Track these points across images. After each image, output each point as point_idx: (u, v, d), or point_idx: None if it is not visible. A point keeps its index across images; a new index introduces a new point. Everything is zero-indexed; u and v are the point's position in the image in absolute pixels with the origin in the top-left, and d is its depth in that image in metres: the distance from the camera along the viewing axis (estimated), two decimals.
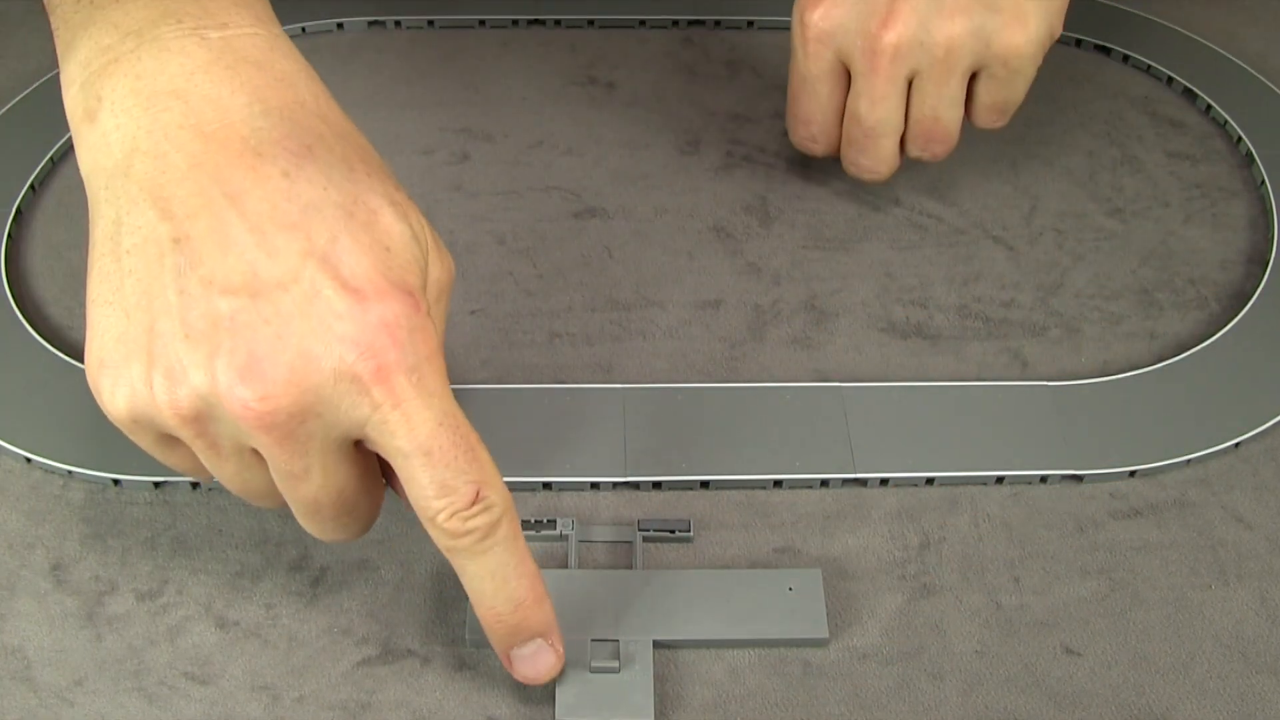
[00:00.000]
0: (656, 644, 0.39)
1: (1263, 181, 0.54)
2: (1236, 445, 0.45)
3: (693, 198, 0.53)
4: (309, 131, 0.34)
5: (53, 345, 0.45)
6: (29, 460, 0.43)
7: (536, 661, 0.36)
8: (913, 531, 0.42)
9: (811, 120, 0.50)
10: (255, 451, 0.34)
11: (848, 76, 0.48)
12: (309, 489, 0.34)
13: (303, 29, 0.59)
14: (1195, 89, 0.57)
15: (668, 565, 0.42)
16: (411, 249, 0.34)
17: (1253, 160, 0.55)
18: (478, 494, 0.33)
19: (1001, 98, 0.48)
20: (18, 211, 0.51)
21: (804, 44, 0.47)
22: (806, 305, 0.49)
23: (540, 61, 0.58)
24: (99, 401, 0.33)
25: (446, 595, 0.40)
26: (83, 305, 0.34)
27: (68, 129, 0.36)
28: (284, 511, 0.42)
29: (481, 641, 0.39)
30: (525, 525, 0.42)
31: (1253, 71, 0.58)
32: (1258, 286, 0.49)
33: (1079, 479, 0.44)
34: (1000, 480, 0.44)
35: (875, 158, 0.49)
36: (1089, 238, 0.52)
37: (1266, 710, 0.38)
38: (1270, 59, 0.60)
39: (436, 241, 0.36)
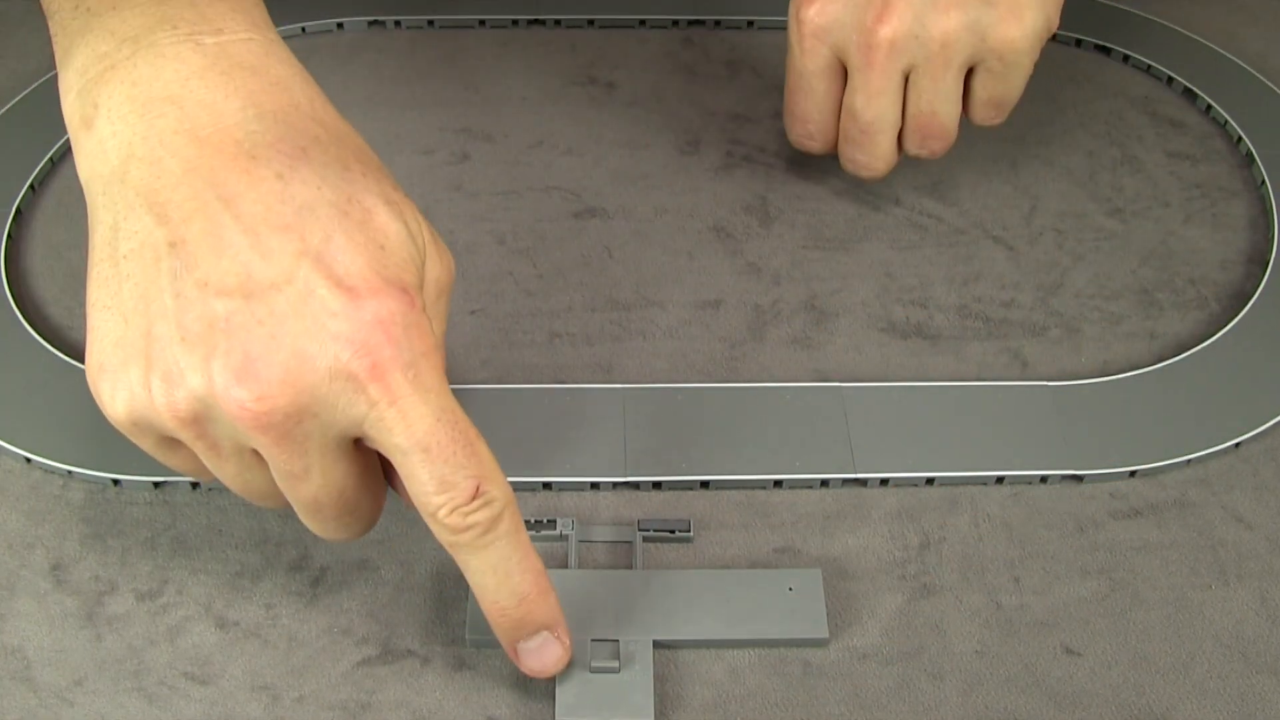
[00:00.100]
0: (656, 644, 0.39)
1: (1263, 181, 0.54)
2: (1237, 445, 0.45)
3: (693, 198, 0.53)
4: (303, 134, 0.34)
5: (52, 345, 0.45)
6: (29, 460, 0.43)
7: (543, 655, 0.36)
8: (913, 531, 0.42)
9: (808, 118, 0.50)
10: (256, 452, 0.34)
11: (844, 74, 0.48)
12: (309, 488, 0.34)
13: (303, 29, 0.59)
14: (1195, 89, 0.57)
15: (668, 565, 0.42)
16: (407, 247, 0.34)
17: (1253, 160, 0.55)
18: (478, 489, 0.33)
19: (999, 93, 0.48)
20: (17, 211, 0.51)
21: (800, 40, 0.47)
22: (806, 305, 0.49)
23: (540, 61, 0.58)
24: (99, 405, 0.33)
25: (446, 595, 0.40)
26: (83, 305, 0.34)
27: (67, 130, 0.36)
28: (285, 511, 0.42)
29: (482, 642, 0.39)
30: (525, 525, 0.41)
31: (1253, 71, 0.58)
32: (1258, 286, 0.49)
33: (1079, 479, 0.44)
34: (1000, 480, 0.44)
35: (872, 154, 0.49)
36: (1089, 238, 0.52)
37: (1266, 710, 0.38)
38: (1270, 59, 0.60)
39: (436, 241, 0.36)
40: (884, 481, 0.43)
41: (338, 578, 0.41)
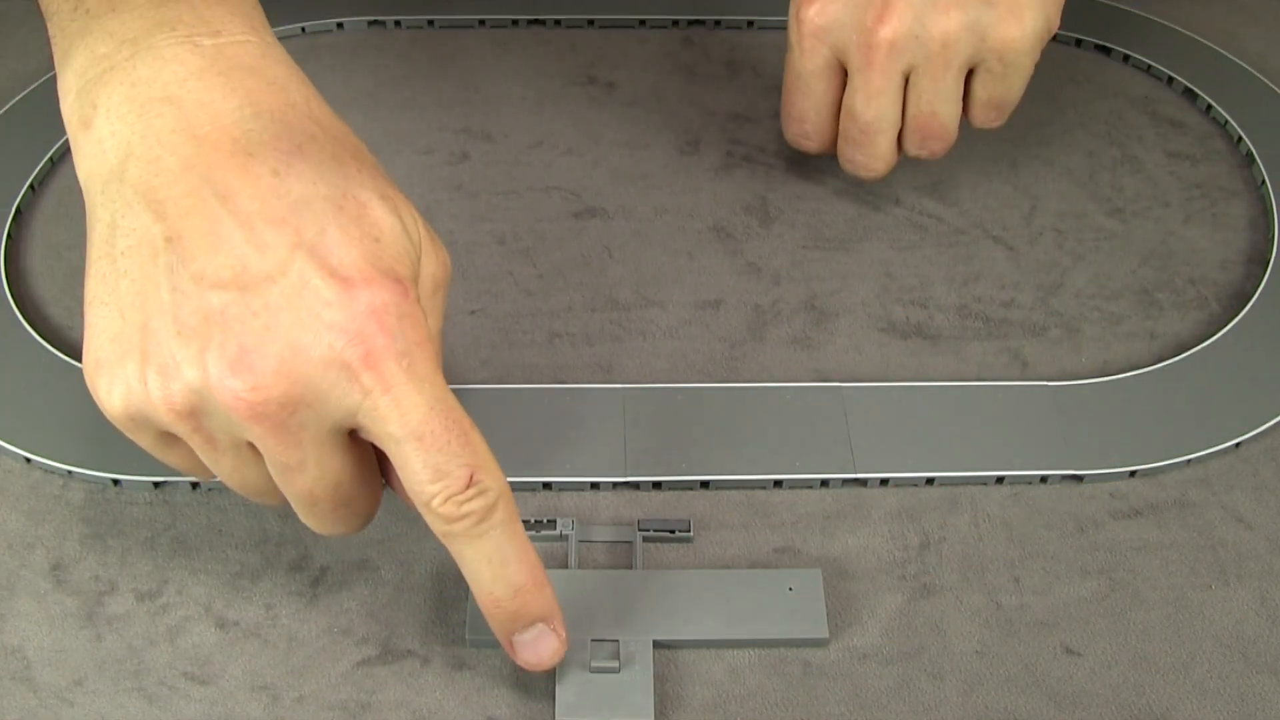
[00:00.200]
0: (656, 644, 0.39)
1: (1263, 181, 0.54)
2: (1237, 445, 0.45)
3: (693, 198, 0.53)
4: (300, 132, 0.34)
5: (52, 345, 0.45)
6: (29, 460, 0.43)
7: (539, 647, 0.36)
8: (913, 531, 0.42)
9: (805, 118, 0.50)
10: (253, 446, 0.34)
11: (843, 74, 0.48)
12: (305, 481, 0.34)
13: (302, 29, 0.59)
14: (1195, 89, 0.57)
15: (668, 565, 0.42)
16: (402, 241, 0.34)
17: (1253, 160, 0.55)
18: (471, 478, 0.33)
19: (999, 94, 0.47)
20: (17, 211, 0.51)
21: (799, 40, 0.47)
22: (806, 305, 0.49)
23: (540, 61, 0.58)
24: (97, 401, 0.34)
25: (446, 595, 0.40)
26: (82, 305, 0.35)
27: (66, 131, 0.36)
28: (284, 511, 0.42)
29: (482, 642, 0.39)
30: (525, 525, 0.41)
31: (1253, 71, 0.58)
32: (1258, 286, 0.49)
33: (1079, 479, 0.44)
34: (1000, 480, 0.44)
35: (872, 155, 0.49)
36: (1089, 238, 0.52)
37: (1267, 710, 0.38)
38: (1270, 59, 0.60)
39: (432, 236, 0.36)
40: (884, 481, 0.43)
41: (338, 578, 0.41)
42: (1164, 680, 0.39)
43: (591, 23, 0.60)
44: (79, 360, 0.45)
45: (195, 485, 0.43)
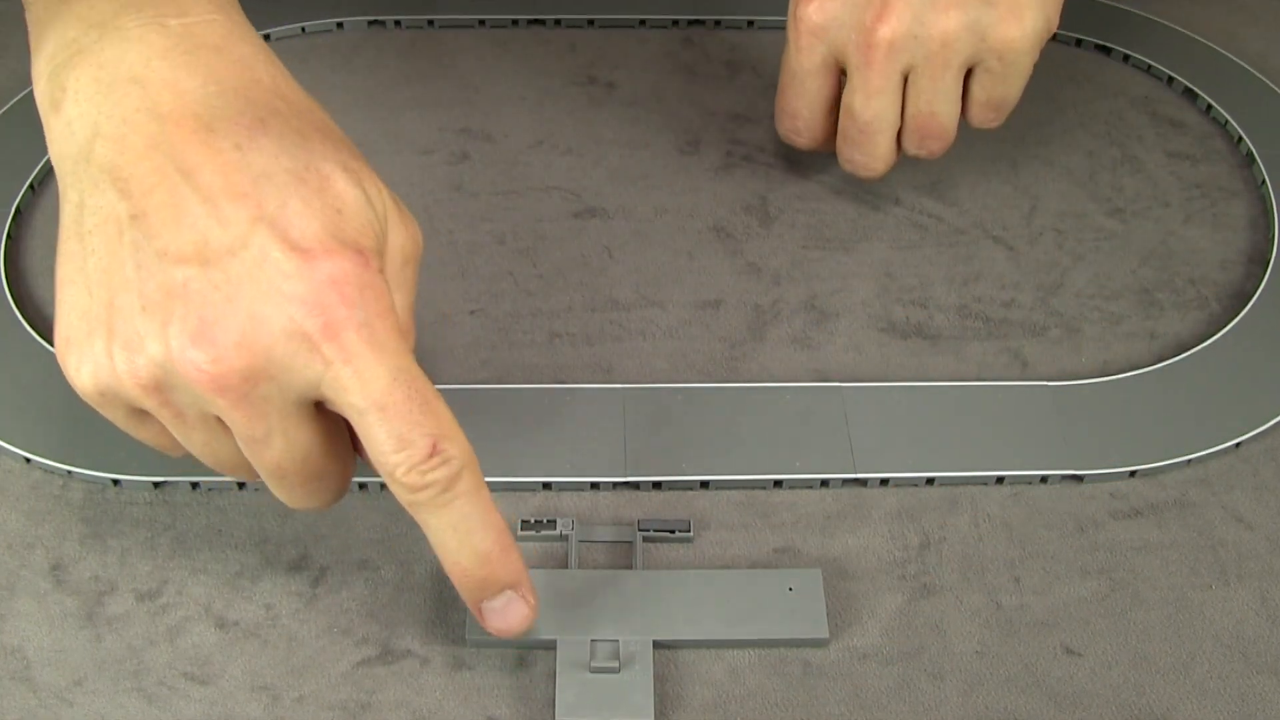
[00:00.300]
0: (656, 644, 0.39)
1: (1263, 181, 0.54)
2: (1237, 445, 0.45)
3: (693, 198, 0.53)
4: (264, 107, 0.35)
5: (52, 345, 0.45)
6: (28, 460, 0.43)
7: (508, 614, 0.36)
8: (913, 531, 0.42)
9: (798, 114, 0.50)
10: (221, 420, 0.34)
11: (838, 73, 0.48)
12: (273, 454, 0.34)
13: (302, 29, 0.59)
14: (1195, 89, 0.57)
15: (668, 565, 0.42)
16: (365, 213, 0.34)
17: (1253, 160, 0.55)
18: (435, 447, 0.33)
19: (997, 94, 0.47)
20: (17, 211, 0.51)
21: (796, 38, 0.47)
22: (806, 305, 0.49)
23: (540, 61, 0.58)
24: (67, 378, 0.34)
25: (446, 595, 0.40)
26: None
27: (40, 115, 0.37)
28: (283, 511, 0.42)
29: (482, 641, 0.39)
30: (525, 525, 0.42)
31: (1253, 71, 0.58)
32: (1258, 286, 0.49)
33: (1079, 479, 0.44)
34: (1000, 480, 0.44)
35: (871, 154, 0.49)
36: (1089, 238, 0.52)
37: (1267, 710, 0.38)
38: (1270, 59, 0.60)
39: (400, 211, 0.36)
40: (884, 481, 0.43)
41: (338, 578, 0.41)
42: (1164, 680, 0.39)
43: (591, 23, 0.60)
44: None
45: (195, 485, 0.43)
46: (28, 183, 0.51)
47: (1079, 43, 0.60)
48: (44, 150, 0.52)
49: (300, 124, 0.35)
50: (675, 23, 0.60)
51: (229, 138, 0.33)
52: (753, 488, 0.43)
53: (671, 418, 0.44)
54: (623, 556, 0.42)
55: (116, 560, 0.41)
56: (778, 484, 0.43)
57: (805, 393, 0.45)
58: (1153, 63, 0.59)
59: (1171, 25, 0.60)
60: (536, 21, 0.60)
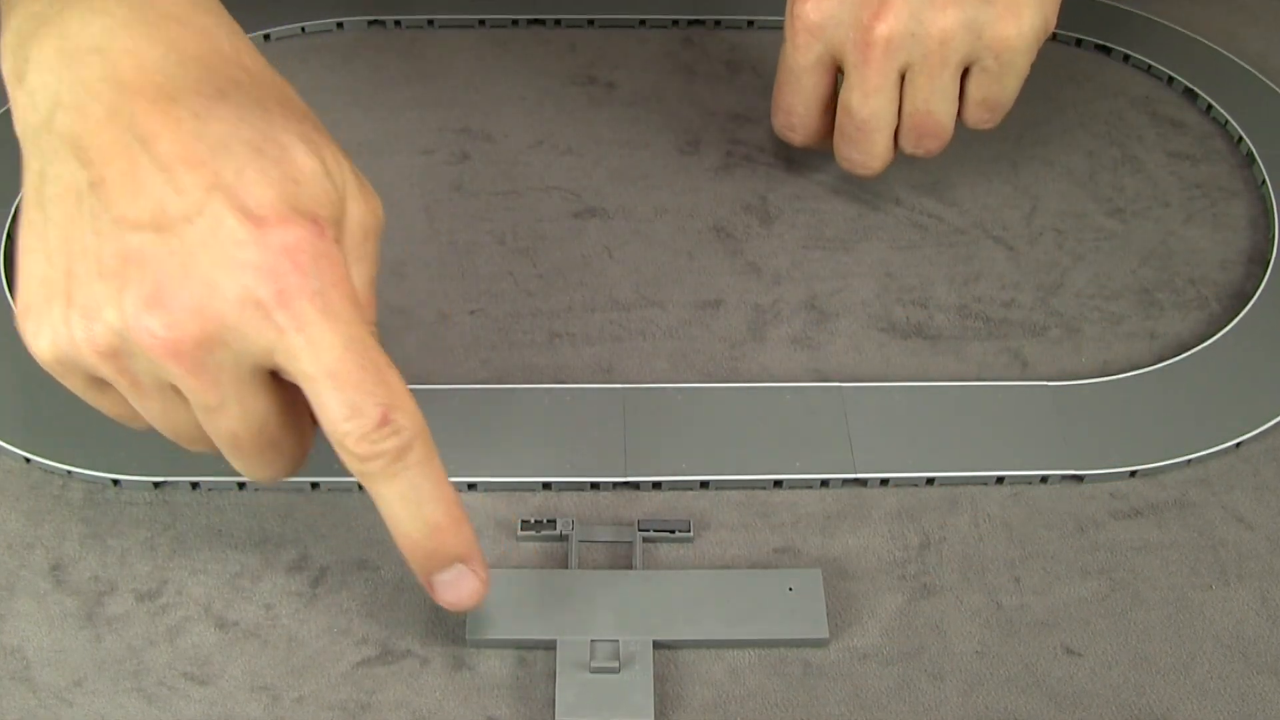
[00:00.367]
0: (656, 644, 0.39)
1: (1263, 181, 0.54)
2: (1237, 445, 0.45)
3: (693, 198, 0.53)
4: (224, 77, 0.35)
5: None
6: (28, 460, 0.43)
7: (458, 587, 0.36)
8: (913, 531, 0.42)
9: (793, 110, 0.50)
10: (178, 389, 0.34)
11: (835, 70, 0.48)
12: (228, 422, 0.34)
13: (302, 29, 0.59)
14: (1196, 89, 0.57)
15: (668, 565, 0.41)
16: (322, 183, 0.34)
17: (1253, 160, 0.55)
18: (386, 416, 0.33)
19: (993, 94, 0.47)
20: (16, 211, 0.51)
21: (793, 35, 0.48)
22: (806, 305, 0.49)
23: (540, 61, 0.58)
24: (26, 346, 0.34)
25: None
26: None
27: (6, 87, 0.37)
28: (283, 511, 0.42)
29: (482, 641, 0.39)
30: (525, 525, 0.42)
31: (1253, 71, 0.58)
32: (1258, 286, 0.49)
33: (1079, 479, 0.44)
34: (1000, 480, 0.44)
35: (867, 152, 0.49)
36: (1089, 238, 0.52)
37: (1267, 711, 0.38)
38: (1270, 59, 0.60)
39: (362, 184, 0.36)
40: (884, 481, 0.43)
41: (337, 578, 0.41)
42: (1164, 680, 0.39)
43: (591, 23, 0.60)
44: None
45: (195, 485, 0.43)
46: None
47: (1079, 43, 0.60)
48: None
49: (261, 95, 0.35)
50: (675, 23, 0.60)
51: (188, 107, 0.34)
52: (753, 488, 0.43)
53: (671, 418, 0.44)
54: (623, 556, 0.42)
55: (116, 560, 0.41)
56: (778, 484, 0.43)
57: (805, 393, 0.45)
58: (1153, 63, 0.59)
59: (1171, 25, 0.60)
60: (536, 21, 0.60)
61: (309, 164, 0.34)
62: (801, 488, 0.43)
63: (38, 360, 0.34)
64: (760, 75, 0.58)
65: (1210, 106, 0.57)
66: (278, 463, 0.36)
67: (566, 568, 0.41)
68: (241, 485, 0.43)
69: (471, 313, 0.48)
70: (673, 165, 0.54)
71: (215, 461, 0.43)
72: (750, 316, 0.49)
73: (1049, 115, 0.57)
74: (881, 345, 0.48)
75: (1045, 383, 0.46)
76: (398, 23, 0.60)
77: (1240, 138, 0.55)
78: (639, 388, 0.45)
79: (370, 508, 0.42)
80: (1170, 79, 0.58)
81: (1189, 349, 0.47)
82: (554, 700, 0.38)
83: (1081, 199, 0.53)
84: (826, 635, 0.39)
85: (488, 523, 0.42)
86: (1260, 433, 0.45)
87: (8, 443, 0.43)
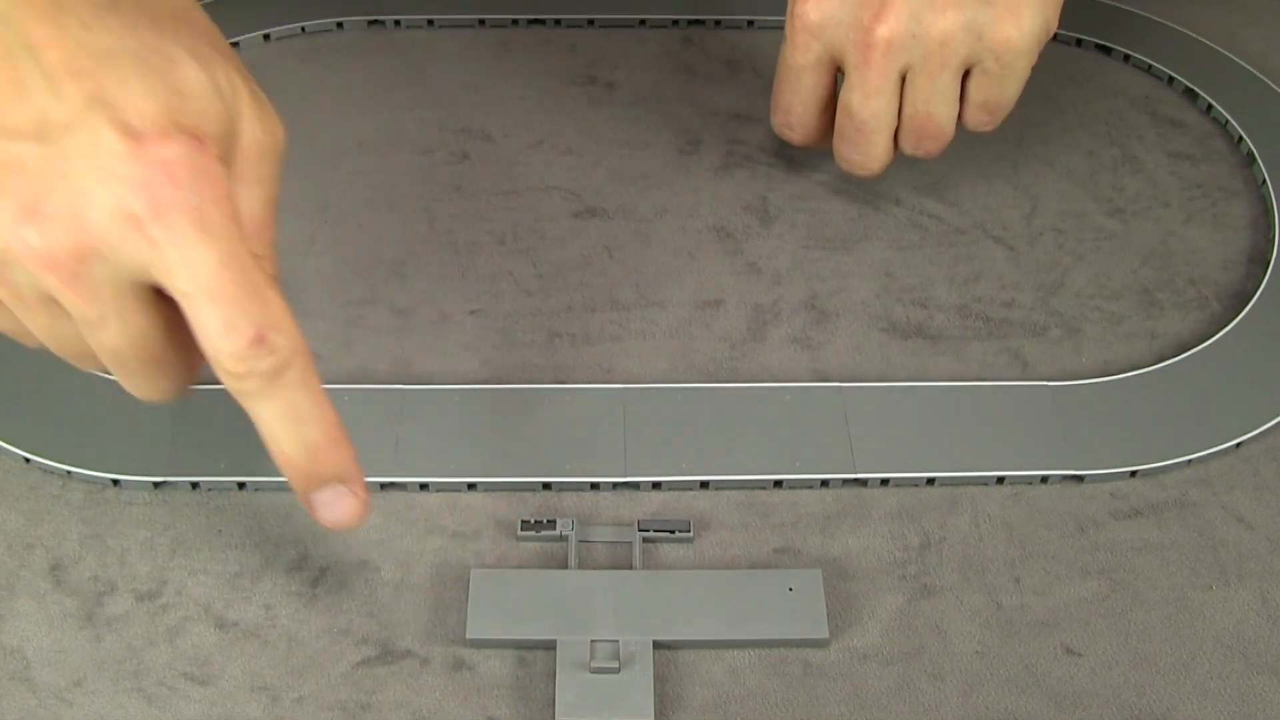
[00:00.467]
0: (656, 644, 0.39)
1: (1264, 181, 0.54)
2: (1237, 445, 0.45)
3: (693, 198, 0.53)
4: None
5: None
6: (28, 460, 0.43)
7: (335, 507, 0.36)
8: (913, 531, 0.42)
9: (791, 110, 0.50)
10: (60, 303, 0.34)
11: (834, 71, 0.48)
12: (109, 337, 0.34)
13: (302, 29, 0.59)
14: (1196, 89, 0.57)
15: (668, 565, 0.41)
16: (209, 98, 0.34)
17: (1254, 160, 0.55)
18: (261, 336, 0.33)
19: (993, 96, 0.47)
20: None
21: (793, 35, 0.47)
22: (807, 305, 0.49)
23: (540, 61, 0.58)
24: None
25: (446, 595, 0.40)
26: None
27: None
28: (283, 511, 0.42)
29: (482, 642, 0.39)
30: (525, 525, 0.42)
31: (1254, 71, 0.58)
32: (1259, 286, 0.49)
33: (1080, 479, 0.44)
34: (1001, 480, 0.44)
35: (867, 153, 0.49)
36: (1089, 238, 0.52)
37: (1267, 711, 0.38)
38: (1271, 59, 0.60)
39: (260, 105, 0.36)
40: (884, 481, 0.43)
41: (337, 578, 0.41)
42: (1164, 681, 0.39)
43: (591, 23, 0.60)
44: None
45: (195, 485, 0.43)
46: None
47: (1079, 43, 0.60)
48: None
49: (155, 9, 0.35)
50: (675, 23, 0.60)
51: (77, 16, 0.33)
52: (753, 488, 0.43)
53: (671, 418, 0.44)
54: (623, 556, 0.42)
55: (116, 560, 0.41)
56: (778, 484, 0.43)
57: (805, 393, 0.45)
58: (1153, 63, 0.59)
59: (1172, 25, 0.60)
60: (536, 21, 0.60)
61: (196, 78, 0.34)
62: (801, 488, 0.43)
63: None
64: (760, 75, 0.58)
65: (1210, 106, 0.57)
66: (163, 382, 0.36)
67: (566, 568, 0.41)
68: (241, 485, 0.43)
69: (471, 313, 0.48)
70: (673, 165, 0.54)
71: (215, 462, 0.43)
72: (750, 316, 0.49)
73: (1049, 115, 0.57)
74: (882, 345, 0.48)
75: (1045, 383, 0.46)
76: (398, 23, 0.60)
77: (1240, 138, 0.55)
78: (639, 388, 0.45)
79: (370, 508, 0.42)
80: (1170, 79, 0.58)
81: (1189, 349, 0.47)
82: (554, 700, 0.38)
83: (1082, 199, 0.53)
84: (826, 635, 0.39)
85: (488, 523, 0.42)
86: (1260, 433, 0.45)
87: (8, 443, 0.43)
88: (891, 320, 0.49)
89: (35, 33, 0.33)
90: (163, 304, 0.34)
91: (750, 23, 0.60)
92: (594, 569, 0.41)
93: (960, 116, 0.49)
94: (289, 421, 0.34)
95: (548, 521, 0.42)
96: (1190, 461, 0.44)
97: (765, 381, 0.46)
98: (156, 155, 0.32)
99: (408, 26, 0.60)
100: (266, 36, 0.58)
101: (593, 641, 0.38)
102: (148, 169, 0.32)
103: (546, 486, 0.43)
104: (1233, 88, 0.57)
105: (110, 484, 0.43)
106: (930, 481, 0.43)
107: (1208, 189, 0.54)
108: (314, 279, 0.49)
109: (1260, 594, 0.41)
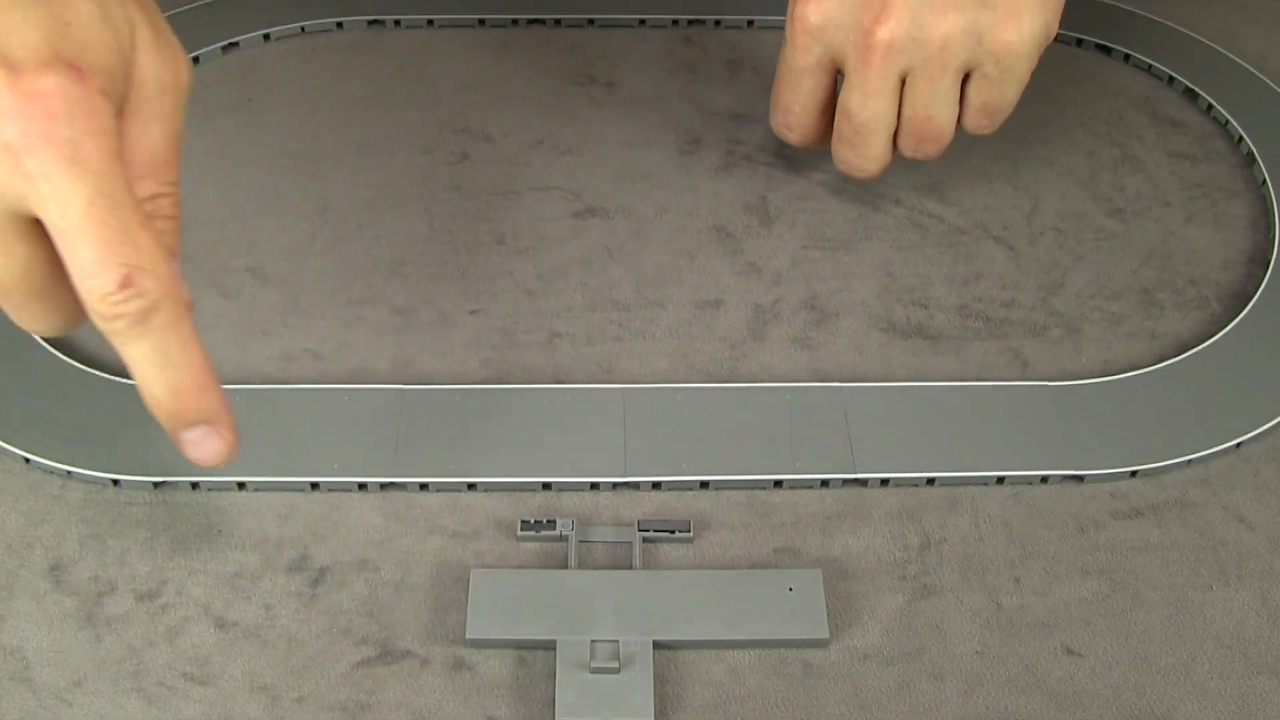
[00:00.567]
0: (656, 644, 0.39)
1: (1264, 181, 0.53)
2: (1238, 445, 0.45)
3: (693, 198, 0.53)
4: None
5: (52, 346, 0.45)
6: (28, 460, 0.43)
7: (202, 446, 0.36)
8: (913, 532, 0.42)
9: (790, 110, 0.50)
10: None
11: (834, 72, 0.48)
12: None
13: (302, 29, 0.59)
14: (1196, 89, 0.57)
15: (668, 565, 0.41)
16: (98, 30, 0.34)
17: (1254, 160, 0.54)
18: (130, 278, 0.33)
19: (993, 99, 0.47)
20: None
21: (793, 36, 0.47)
22: (807, 305, 0.49)
23: (540, 61, 0.58)
24: None
25: (446, 595, 0.40)
26: None
27: None
28: (283, 511, 0.42)
29: (482, 642, 0.39)
30: (525, 525, 0.41)
31: (1254, 71, 0.58)
32: (1259, 286, 0.49)
33: (1080, 479, 0.44)
34: (1001, 480, 0.44)
35: (866, 155, 0.49)
36: (1089, 238, 0.52)
37: (1267, 711, 0.38)
38: (1271, 59, 0.60)
39: (160, 39, 0.36)
40: (884, 481, 0.43)
41: (337, 578, 0.41)
42: (1165, 681, 0.39)
43: (591, 22, 0.60)
44: (80, 361, 0.45)
45: (195, 485, 0.43)
46: None
47: (1079, 43, 0.60)
48: None
49: None
50: (675, 22, 0.60)
51: None
52: (753, 488, 0.43)
53: (671, 418, 0.44)
54: (623, 556, 0.42)
55: (116, 560, 0.41)
56: (778, 484, 0.43)
57: (805, 393, 0.45)
58: (1153, 63, 0.59)
59: (1172, 25, 0.60)
60: (536, 21, 0.60)
61: (85, 8, 0.33)
62: (802, 488, 0.43)
63: None
64: (760, 75, 0.58)
65: (1210, 106, 0.57)
66: (48, 316, 0.36)
67: (566, 568, 0.41)
68: (241, 485, 0.43)
69: (471, 313, 0.48)
70: (673, 165, 0.54)
71: None
72: (750, 316, 0.49)
73: (1049, 115, 0.57)
74: (882, 345, 0.48)
75: (1045, 383, 0.46)
76: (397, 23, 0.60)
77: (1240, 138, 0.55)
78: (639, 388, 0.45)
79: (370, 508, 0.42)
80: (1170, 79, 0.58)
81: (1189, 349, 0.47)
82: (554, 700, 0.38)
83: (1082, 199, 0.53)
84: (826, 635, 0.39)
85: (488, 523, 0.42)
86: (1260, 433, 0.45)
87: (8, 443, 0.43)
88: (891, 320, 0.49)
89: None
90: (45, 237, 0.34)
91: (750, 23, 0.60)
92: (594, 569, 0.41)
93: (959, 119, 0.49)
94: (156, 365, 0.34)
95: (548, 521, 0.42)
96: (1190, 461, 0.44)
97: (765, 381, 0.46)
98: (32, 86, 0.32)
99: (407, 26, 0.60)
100: (266, 36, 0.58)
101: (593, 641, 0.38)
102: (23, 100, 0.32)
103: (546, 486, 0.43)
104: (1233, 88, 0.57)
105: (110, 484, 0.43)
106: (930, 481, 0.43)
107: (1208, 189, 0.54)
108: (314, 279, 0.49)
109: (1260, 594, 0.41)
